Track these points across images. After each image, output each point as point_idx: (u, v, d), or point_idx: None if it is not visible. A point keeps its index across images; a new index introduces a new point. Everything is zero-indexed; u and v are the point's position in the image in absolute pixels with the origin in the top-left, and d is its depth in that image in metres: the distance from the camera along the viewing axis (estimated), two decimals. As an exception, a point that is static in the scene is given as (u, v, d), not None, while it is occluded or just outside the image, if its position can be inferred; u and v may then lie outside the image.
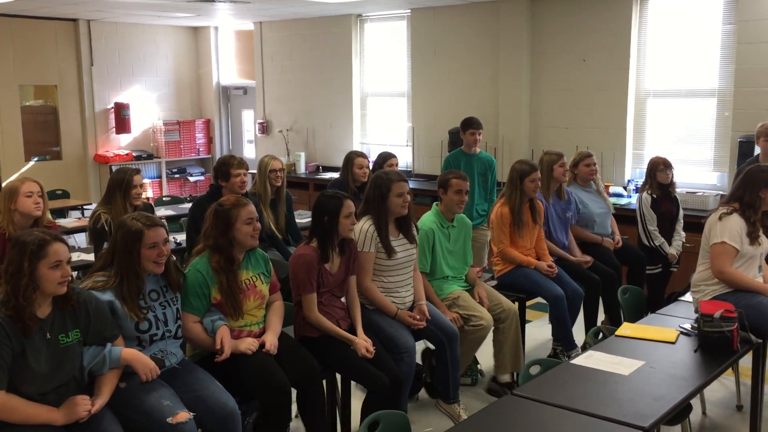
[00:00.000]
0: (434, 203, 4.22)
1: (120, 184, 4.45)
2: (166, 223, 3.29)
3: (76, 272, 5.25)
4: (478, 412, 3.10)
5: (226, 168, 4.62)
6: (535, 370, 3.29)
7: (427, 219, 4.13)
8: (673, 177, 5.38)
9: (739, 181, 3.89)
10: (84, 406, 2.64)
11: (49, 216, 4.23)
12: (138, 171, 4.70)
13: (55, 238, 2.67)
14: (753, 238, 3.74)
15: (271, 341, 3.26)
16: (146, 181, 10.04)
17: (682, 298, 4.28)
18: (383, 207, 3.75)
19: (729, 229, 3.73)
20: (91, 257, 5.34)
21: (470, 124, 5.82)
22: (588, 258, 5.00)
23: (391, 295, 3.85)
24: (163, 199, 7.70)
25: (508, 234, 4.62)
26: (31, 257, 2.58)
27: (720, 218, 3.78)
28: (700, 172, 6.81)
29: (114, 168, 9.69)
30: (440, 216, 4.14)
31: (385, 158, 5.62)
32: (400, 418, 2.83)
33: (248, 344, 3.18)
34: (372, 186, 3.80)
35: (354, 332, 3.58)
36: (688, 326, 3.66)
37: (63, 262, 2.64)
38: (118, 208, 4.39)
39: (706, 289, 3.82)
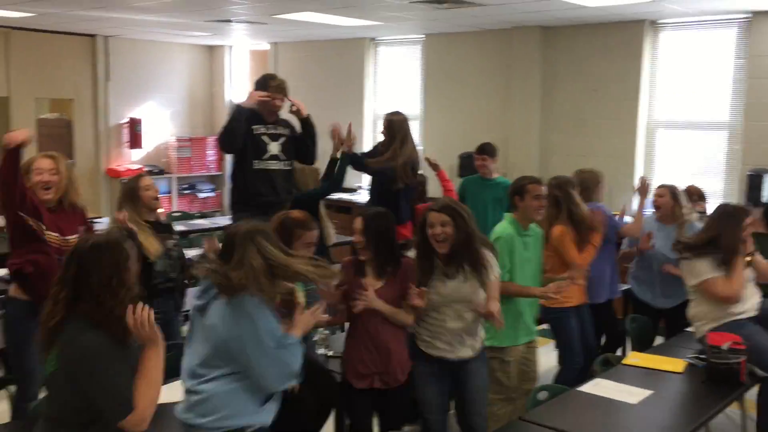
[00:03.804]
0: (506, 214, 3.92)
1: (126, 194, 4.08)
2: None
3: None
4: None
5: None
6: (542, 395, 3.30)
7: (503, 227, 3.82)
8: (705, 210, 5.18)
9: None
10: None
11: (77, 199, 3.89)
12: (142, 174, 4.31)
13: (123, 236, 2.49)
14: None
15: None
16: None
17: (688, 329, 4.29)
18: None
19: (698, 268, 3.77)
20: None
21: (478, 149, 5.72)
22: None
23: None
24: (173, 214, 7.75)
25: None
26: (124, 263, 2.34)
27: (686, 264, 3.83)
28: (710, 204, 6.81)
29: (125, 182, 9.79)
30: (516, 224, 3.81)
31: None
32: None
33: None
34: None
35: None
36: (696, 357, 3.67)
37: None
38: (134, 219, 4.01)
39: (702, 327, 3.80)
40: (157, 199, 4.17)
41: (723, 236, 3.74)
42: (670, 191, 4.72)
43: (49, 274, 3.46)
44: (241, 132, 4.60)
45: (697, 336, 3.82)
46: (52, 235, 3.59)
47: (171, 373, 3.37)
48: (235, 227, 2.63)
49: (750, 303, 3.81)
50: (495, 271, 3.26)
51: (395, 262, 3.25)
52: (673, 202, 4.68)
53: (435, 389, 3.28)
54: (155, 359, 2.35)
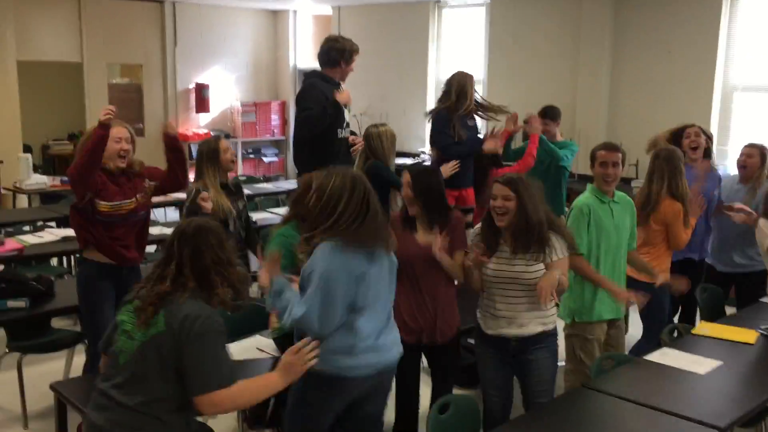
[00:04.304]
0: (588, 184, 3.77)
1: (208, 154, 4.14)
2: None
3: (156, 245, 5.47)
4: (551, 401, 3.10)
5: None
6: (608, 364, 3.25)
7: (582, 197, 3.68)
8: None
9: None
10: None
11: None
12: (221, 137, 4.44)
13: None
14: None
15: None
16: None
17: (763, 299, 4.14)
18: None
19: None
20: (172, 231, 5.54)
21: (540, 113, 5.40)
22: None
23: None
24: (239, 178, 7.89)
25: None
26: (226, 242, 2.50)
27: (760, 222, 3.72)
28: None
29: (194, 145, 10.01)
30: (596, 192, 3.65)
31: None
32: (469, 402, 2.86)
33: None
34: None
35: None
36: (768, 328, 3.56)
37: None
38: (209, 180, 4.10)
39: None
40: (233, 161, 4.30)
41: None
42: (760, 152, 4.55)
43: (109, 237, 3.64)
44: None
45: None
46: (102, 204, 3.61)
47: (244, 330, 3.49)
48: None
49: None
50: (560, 252, 3.12)
51: (444, 217, 3.27)
52: (761, 163, 4.52)
53: (495, 370, 3.22)
54: (273, 386, 2.45)
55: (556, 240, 3.12)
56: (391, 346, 2.76)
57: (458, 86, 4.94)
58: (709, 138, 4.82)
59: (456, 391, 3.50)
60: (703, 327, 3.67)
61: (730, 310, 4.45)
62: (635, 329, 4.72)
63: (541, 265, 3.08)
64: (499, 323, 3.15)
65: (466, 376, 3.83)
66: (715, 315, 4.15)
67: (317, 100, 4.70)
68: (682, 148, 4.48)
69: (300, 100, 4.81)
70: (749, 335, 3.51)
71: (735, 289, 4.62)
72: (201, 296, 2.35)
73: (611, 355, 3.40)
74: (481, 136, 5.12)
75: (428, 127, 9.31)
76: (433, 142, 5.16)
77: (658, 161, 4.08)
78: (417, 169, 3.39)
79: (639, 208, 3.97)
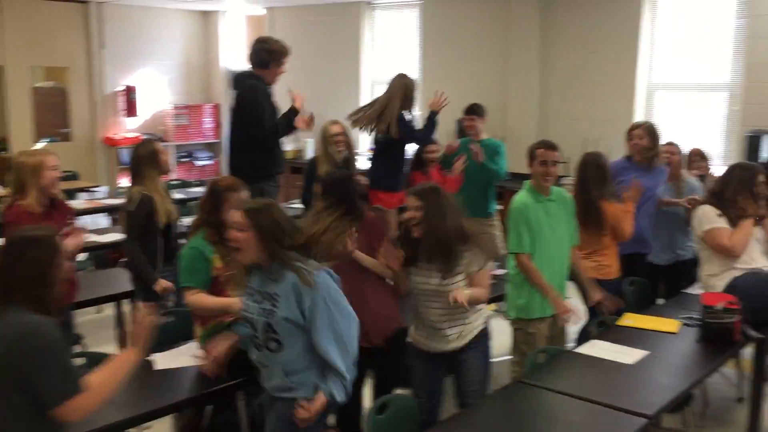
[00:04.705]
0: (524, 181, 3.82)
1: (148, 157, 4.04)
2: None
3: (86, 253, 5.32)
4: (485, 397, 3.15)
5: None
6: (541, 358, 3.33)
7: (519, 196, 3.73)
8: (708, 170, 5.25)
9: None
10: None
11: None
12: (153, 140, 4.36)
13: None
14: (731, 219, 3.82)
15: None
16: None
17: (686, 290, 4.32)
18: None
19: (706, 215, 3.86)
20: (101, 238, 5.41)
21: (466, 110, 5.61)
22: None
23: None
24: (171, 182, 7.74)
25: None
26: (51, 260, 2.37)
27: (697, 211, 3.94)
28: (713, 166, 6.80)
29: (124, 150, 9.76)
30: (533, 191, 3.71)
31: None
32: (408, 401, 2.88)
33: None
34: None
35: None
36: (689, 317, 3.71)
37: None
38: (150, 184, 4.02)
39: (716, 284, 3.83)
40: (167, 169, 4.23)
41: (734, 193, 3.81)
42: (679, 150, 4.80)
43: None
44: None
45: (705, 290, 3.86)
46: None
47: (177, 338, 3.43)
48: None
49: (757, 264, 3.83)
50: (478, 264, 3.11)
51: (357, 218, 3.37)
52: (680, 162, 4.77)
53: (425, 374, 3.26)
54: (128, 362, 2.33)
55: (472, 252, 3.10)
56: None
57: (408, 89, 5.05)
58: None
59: (397, 391, 3.52)
60: (628, 318, 3.79)
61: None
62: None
63: (460, 278, 3.09)
64: (426, 334, 3.21)
65: (406, 376, 3.84)
66: (643, 307, 4.29)
67: (267, 99, 4.72)
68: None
69: (250, 101, 4.79)
70: (672, 325, 3.65)
71: (665, 283, 4.81)
72: (28, 306, 2.16)
73: (544, 348, 3.48)
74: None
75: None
76: (412, 133, 5.14)
77: (589, 168, 4.19)
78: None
79: (581, 217, 4.05)
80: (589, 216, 4.11)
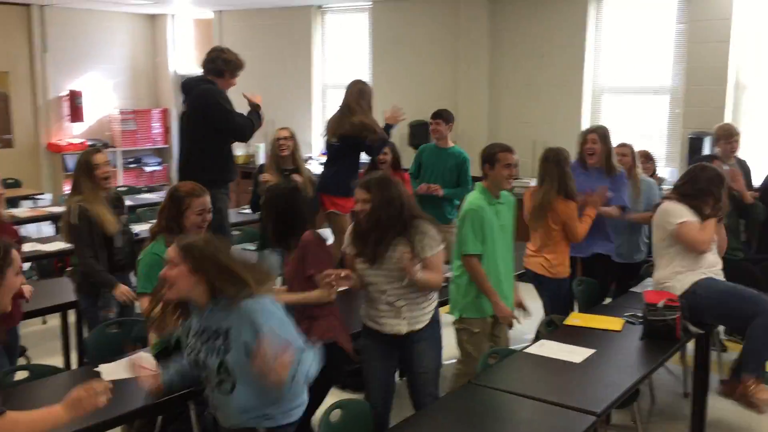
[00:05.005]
0: (477, 183, 3.85)
1: (84, 168, 3.99)
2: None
3: (29, 263, 5.17)
4: (437, 400, 3.18)
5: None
6: (493, 359, 3.37)
7: (474, 198, 3.75)
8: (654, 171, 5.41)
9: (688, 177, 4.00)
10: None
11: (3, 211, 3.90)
12: (98, 149, 4.20)
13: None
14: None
15: None
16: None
17: (633, 289, 4.42)
18: None
19: (678, 210, 3.85)
20: (46, 247, 5.26)
21: (433, 115, 5.64)
22: None
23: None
24: (119, 189, 7.59)
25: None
26: None
27: (665, 206, 3.92)
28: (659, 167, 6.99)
29: (69, 156, 9.53)
30: (487, 193, 3.74)
31: None
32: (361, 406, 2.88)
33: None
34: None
35: None
36: (632, 315, 3.80)
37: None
38: (88, 195, 3.96)
39: (677, 284, 3.81)
40: (107, 179, 4.06)
41: (702, 192, 3.86)
42: (630, 150, 4.89)
43: None
44: None
45: (679, 292, 3.79)
46: None
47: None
48: None
49: (715, 269, 3.91)
50: (432, 247, 3.17)
51: (291, 239, 3.29)
52: (633, 161, 4.87)
53: (377, 365, 3.30)
54: (57, 419, 2.21)
55: (423, 235, 3.15)
56: None
57: (364, 94, 5.09)
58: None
59: (349, 396, 3.52)
60: (574, 317, 3.87)
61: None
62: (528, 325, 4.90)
63: (408, 258, 3.11)
64: (377, 319, 3.24)
65: (358, 380, 3.79)
66: (591, 306, 4.38)
67: (227, 99, 4.71)
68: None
69: (211, 100, 4.75)
70: (616, 323, 3.74)
71: (616, 283, 4.92)
72: None
73: (497, 350, 3.52)
74: None
75: (315, 131, 9.34)
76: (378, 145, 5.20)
77: (548, 164, 4.30)
78: (273, 191, 3.44)
79: (537, 209, 4.23)
80: (542, 210, 4.24)
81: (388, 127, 5.13)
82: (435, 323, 3.32)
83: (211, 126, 4.76)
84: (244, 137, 4.94)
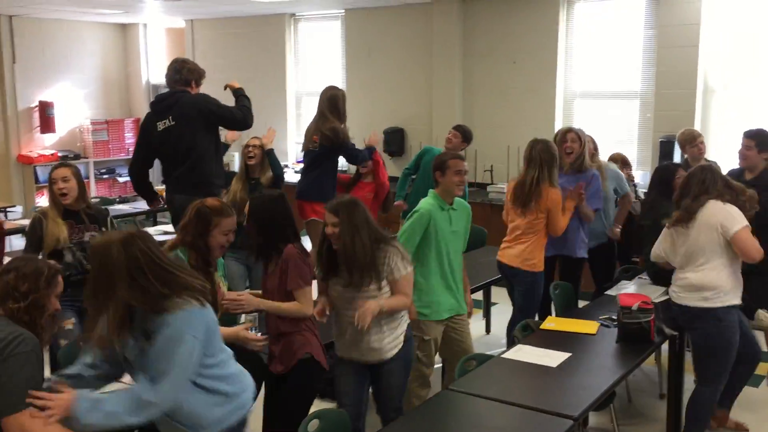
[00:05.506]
0: (430, 190, 3.92)
1: (48, 180, 4.05)
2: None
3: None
4: (414, 408, 3.17)
5: None
6: (471, 365, 3.37)
7: (426, 203, 3.82)
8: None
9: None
10: None
11: None
12: (61, 164, 4.12)
13: None
14: None
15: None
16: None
17: (607, 292, 4.46)
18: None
19: (737, 213, 3.54)
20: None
21: (455, 126, 6.00)
22: None
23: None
24: (92, 200, 7.48)
25: None
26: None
27: (724, 207, 3.56)
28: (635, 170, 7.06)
29: (39, 168, 9.41)
30: (439, 199, 3.82)
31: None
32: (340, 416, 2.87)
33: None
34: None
35: None
36: (607, 318, 3.84)
37: None
38: (48, 207, 4.04)
39: (725, 296, 3.56)
40: (64, 194, 3.98)
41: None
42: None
43: None
44: None
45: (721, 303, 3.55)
46: None
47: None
48: None
49: None
50: (400, 269, 3.18)
51: (275, 250, 3.21)
52: (593, 148, 5.07)
53: (348, 380, 3.31)
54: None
55: (392, 260, 3.16)
56: None
57: (337, 99, 5.25)
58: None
59: (327, 405, 3.51)
60: (549, 321, 3.90)
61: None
62: (496, 328, 4.93)
63: (374, 287, 3.14)
64: (346, 346, 3.27)
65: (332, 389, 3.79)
66: (566, 309, 4.41)
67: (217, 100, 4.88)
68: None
69: (216, 105, 4.84)
70: (591, 326, 3.77)
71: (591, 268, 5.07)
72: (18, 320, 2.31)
73: (473, 356, 3.53)
74: None
75: (290, 139, 9.34)
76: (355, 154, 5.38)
77: (536, 150, 4.39)
78: (258, 198, 3.38)
79: (523, 195, 4.33)
80: (530, 195, 4.32)
81: (371, 148, 5.38)
82: (407, 342, 3.32)
83: (214, 129, 4.83)
84: (248, 124, 5.02)
